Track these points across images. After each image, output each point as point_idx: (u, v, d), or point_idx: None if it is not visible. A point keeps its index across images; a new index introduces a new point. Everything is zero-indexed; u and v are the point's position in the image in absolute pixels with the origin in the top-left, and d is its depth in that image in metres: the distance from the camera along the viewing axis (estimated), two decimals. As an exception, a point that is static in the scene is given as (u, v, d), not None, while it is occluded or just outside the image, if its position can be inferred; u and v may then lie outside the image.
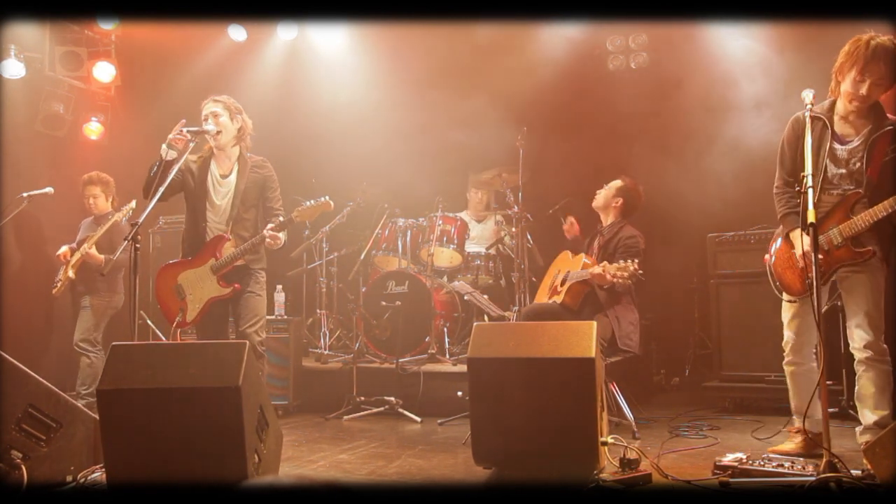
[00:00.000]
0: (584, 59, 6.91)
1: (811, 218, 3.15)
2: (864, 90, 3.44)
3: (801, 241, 3.52)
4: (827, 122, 3.57)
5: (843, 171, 3.56)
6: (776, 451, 3.76)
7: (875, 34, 3.44)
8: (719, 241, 5.48)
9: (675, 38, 6.49)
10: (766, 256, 3.89)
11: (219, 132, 4.33)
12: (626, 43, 6.92)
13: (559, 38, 6.78)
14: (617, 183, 5.05)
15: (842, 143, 3.57)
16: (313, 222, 6.73)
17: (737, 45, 6.17)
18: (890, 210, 3.36)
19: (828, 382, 3.30)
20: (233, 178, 4.41)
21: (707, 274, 5.58)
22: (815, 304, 3.14)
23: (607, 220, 5.06)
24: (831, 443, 3.10)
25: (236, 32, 7.07)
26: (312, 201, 4.36)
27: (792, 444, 3.81)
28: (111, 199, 5.98)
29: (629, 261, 4.37)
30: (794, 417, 3.88)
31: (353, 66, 7.51)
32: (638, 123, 6.58)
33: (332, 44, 7.36)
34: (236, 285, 4.33)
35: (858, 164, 3.51)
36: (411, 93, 7.20)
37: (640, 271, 4.35)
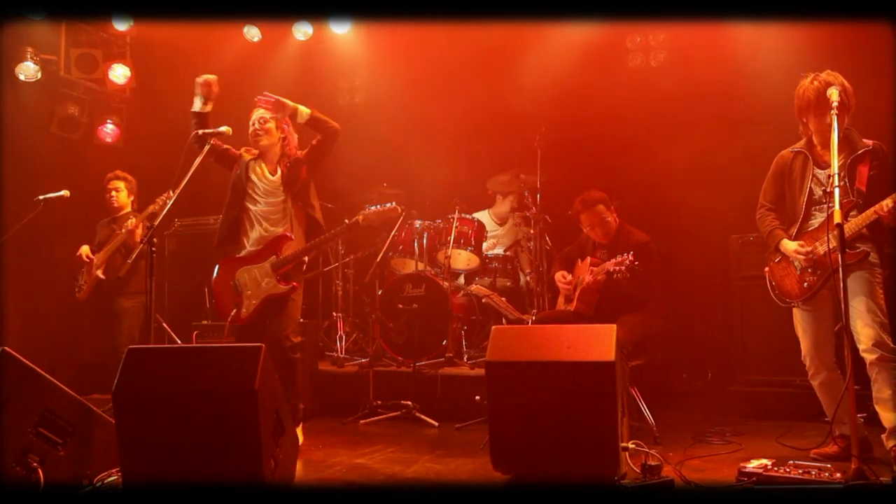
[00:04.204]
0: (604, 57, 6.88)
1: (837, 218, 3.27)
2: (827, 121, 3.68)
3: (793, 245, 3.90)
4: (808, 154, 3.94)
5: (829, 189, 3.70)
6: (819, 454, 3.89)
7: (816, 74, 3.81)
8: (743, 243, 5.43)
9: (696, 36, 6.44)
10: (766, 269, 4.13)
11: (230, 133, 4.52)
12: (646, 41, 6.89)
13: (578, 36, 6.76)
14: (598, 209, 4.81)
15: (823, 168, 3.86)
16: (329, 225, 6.78)
17: (757, 43, 6.13)
18: (879, 213, 3.58)
19: (856, 388, 3.29)
20: (279, 178, 4.66)
21: (730, 276, 5.53)
22: (844, 305, 3.26)
23: (610, 234, 4.89)
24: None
25: (251, 33, 7.12)
26: (379, 206, 4.63)
27: (835, 447, 3.89)
28: (132, 198, 6.06)
29: (624, 254, 4.39)
30: (832, 426, 3.91)
31: (368, 65, 7.53)
32: (658, 122, 6.54)
33: (347, 43, 7.39)
34: (294, 283, 4.55)
35: (842, 184, 3.76)
36: (429, 93, 7.21)
37: (637, 262, 4.37)
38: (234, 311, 4.59)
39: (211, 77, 4.66)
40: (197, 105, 4.66)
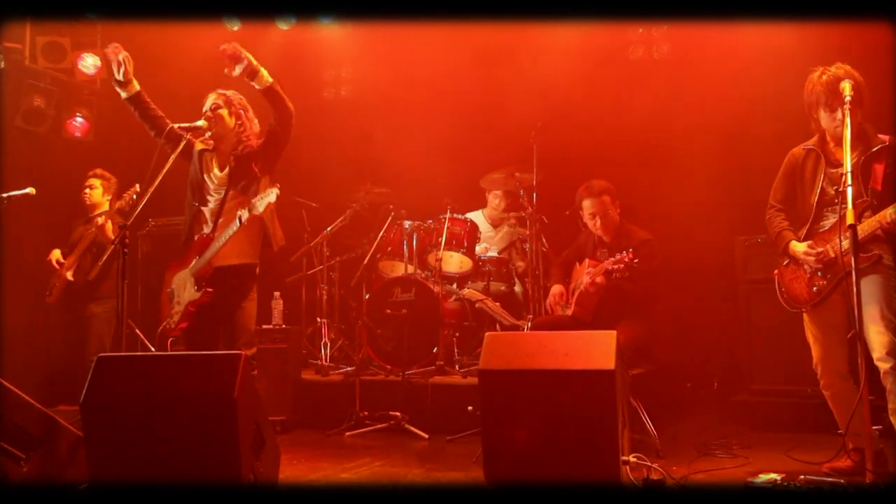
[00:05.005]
0: (603, 48, 6.88)
1: (850, 219, 3.27)
2: (839, 117, 3.72)
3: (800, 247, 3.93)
4: (819, 151, 3.94)
5: (841, 189, 3.69)
6: (832, 468, 3.86)
7: (825, 68, 3.85)
8: (749, 245, 5.42)
9: (700, 28, 6.45)
10: (775, 272, 4.14)
11: (209, 128, 4.33)
12: (648, 32, 6.89)
13: (576, 27, 6.74)
14: (603, 199, 4.84)
15: (836, 167, 3.85)
16: (313, 225, 6.76)
17: (762, 39, 6.14)
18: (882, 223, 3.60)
19: (870, 398, 3.28)
20: (225, 174, 4.39)
21: (736, 280, 5.52)
22: (857, 311, 3.26)
23: (610, 229, 4.92)
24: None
25: (231, 23, 7.07)
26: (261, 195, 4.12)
27: (849, 461, 3.87)
28: (109, 197, 6.01)
29: (623, 252, 4.39)
30: (845, 438, 3.90)
31: (356, 57, 7.50)
32: (661, 117, 6.54)
33: (333, 33, 7.36)
34: (208, 289, 4.24)
35: (855, 183, 3.71)
36: (419, 85, 7.18)
37: (636, 260, 4.35)
38: (167, 321, 4.36)
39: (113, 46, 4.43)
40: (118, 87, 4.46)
